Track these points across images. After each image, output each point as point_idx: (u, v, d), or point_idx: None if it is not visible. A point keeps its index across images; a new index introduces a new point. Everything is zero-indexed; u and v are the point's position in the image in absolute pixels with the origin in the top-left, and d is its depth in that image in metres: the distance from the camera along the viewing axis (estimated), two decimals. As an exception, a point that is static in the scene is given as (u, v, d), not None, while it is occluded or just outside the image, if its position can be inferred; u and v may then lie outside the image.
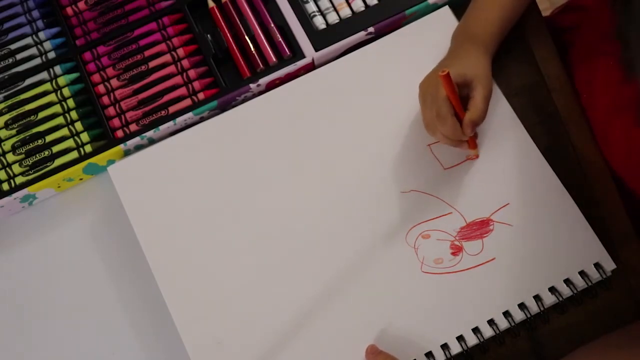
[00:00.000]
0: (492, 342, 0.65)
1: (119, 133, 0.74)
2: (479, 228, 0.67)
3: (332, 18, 0.76)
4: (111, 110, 0.75)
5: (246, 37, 0.76)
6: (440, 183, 0.69)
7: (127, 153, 0.74)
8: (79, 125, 0.74)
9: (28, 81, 0.76)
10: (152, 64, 0.76)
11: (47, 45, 0.78)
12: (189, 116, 0.73)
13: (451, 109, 0.63)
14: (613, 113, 0.68)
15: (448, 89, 0.62)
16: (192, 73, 0.75)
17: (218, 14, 0.78)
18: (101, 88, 0.76)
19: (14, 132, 0.75)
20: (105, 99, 0.75)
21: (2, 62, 0.77)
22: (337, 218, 0.69)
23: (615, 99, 0.68)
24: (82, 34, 0.78)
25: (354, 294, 0.66)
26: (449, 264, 0.66)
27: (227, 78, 0.76)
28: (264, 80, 0.74)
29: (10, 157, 0.74)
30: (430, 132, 0.67)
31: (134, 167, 0.73)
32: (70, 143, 0.74)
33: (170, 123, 0.73)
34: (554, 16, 0.87)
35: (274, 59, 0.75)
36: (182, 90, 0.75)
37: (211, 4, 0.78)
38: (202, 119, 0.75)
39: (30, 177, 0.73)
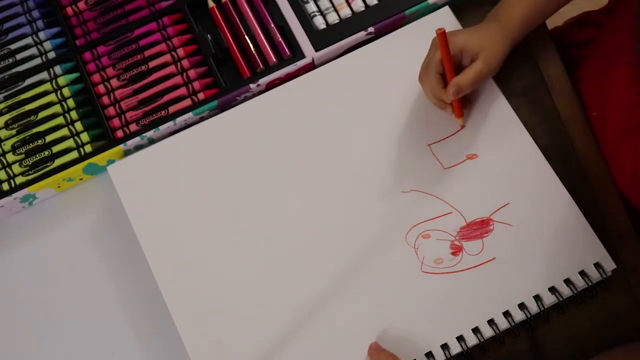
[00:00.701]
0: (492, 342, 0.65)
1: (119, 133, 0.74)
2: (479, 228, 0.67)
3: (332, 18, 0.76)
4: (111, 110, 0.75)
5: (246, 37, 0.76)
6: (440, 183, 0.69)
7: (127, 153, 0.74)
8: (79, 125, 0.74)
9: (28, 81, 0.76)
10: (152, 64, 0.76)
11: (47, 45, 0.78)
12: (189, 116, 0.73)
13: (441, 66, 0.65)
14: (625, 133, 0.67)
15: (441, 47, 0.64)
16: (192, 73, 0.75)
17: (218, 14, 0.78)
18: (101, 88, 0.76)
19: (14, 132, 0.75)
20: (105, 99, 0.75)
21: (2, 62, 0.77)
22: (337, 218, 0.69)
23: (630, 119, 0.67)
24: (82, 34, 0.78)
25: (354, 293, 0.66)
26: (449, 264, 0.66)
27: (227, 78, 0.76)
28: (264, 80, 0.74)
29: (10, 157, 0.74)
30: (420, 82, 0.69)
31: (134, 167, 0.73)
32: (70, 143, 0.74)
33: (170, 123, 0.73)
34: (565, 31, 0.87)
35: (274, 59, 0.75)
36: (182, 90, 0.75)
37: (211, 4, 0.78)
38: (202, 119, 0.75)
39: (30, 177, 0.73)
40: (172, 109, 0.74)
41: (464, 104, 0.69)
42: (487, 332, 0.64)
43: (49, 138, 0.74)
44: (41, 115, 0.75)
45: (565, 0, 0.71)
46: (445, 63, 0.65)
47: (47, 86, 0.76)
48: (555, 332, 0.66)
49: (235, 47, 0.76)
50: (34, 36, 0.78)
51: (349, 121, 0.72)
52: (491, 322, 0.64)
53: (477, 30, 0.68)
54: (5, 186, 0.72)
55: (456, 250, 0.67)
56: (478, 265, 0.66)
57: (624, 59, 0.68)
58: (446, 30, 0.64)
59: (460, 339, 0.64)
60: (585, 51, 0.78)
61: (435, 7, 0.76)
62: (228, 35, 0.77)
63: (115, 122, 0.74)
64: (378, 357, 0.63)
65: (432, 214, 0.68)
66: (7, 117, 0.75)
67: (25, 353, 0.70)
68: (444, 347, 0.64)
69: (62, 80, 0.76)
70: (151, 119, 0.74)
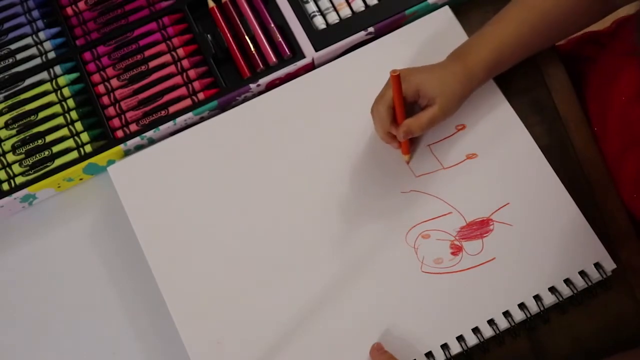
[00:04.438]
0: (492, 342, 0.65)
1: (119, 133, 0.74)
2: (479, 228, 0.67)
3: (332, 18, 0.76)
4: (111, 110, 0.75)
5: (246, 37, 0.76)
6: (440, 183, 0.69)
7: (127, 153, 0.74)
8: (79, 125, 0.74)
9: (28, 81, 0.76)
10: (152, 64, 0.76)
11: (47, 45, 0.78)
12: (189, 116, 0.73)
13: (392, 104, 0.65)
14: (626, 146, 0.68)
15: (394, 89, 0.63)
16: (192, 73, 0.75)
17: (218, 14, 0.78)
18: (101, 88, 0.76)
19: (14, 132, 0.75)
20: (105, 99, 0.75)
21: (2, 62, 0.77)
22: (337, 218, 0.69)
23: (630, 133, 0.67)
24: (82, 34, 0.78)
25: (354, 294, 0.66)
26: (449, 264, 0.66)
27: (227, 78, 0.76)
28: (264, 80, 0.74)
29: (10, 157, 0.74)
30: (371, 113, 0.68)
31: (134, 167, 0.73)
32: (70, 143, 0.74)
33: (170, 123, 0.73)
34: (571, 46, 0.87)
35: (274, 59, 0.75)
36: (182, 90, 0.75)
37: (211, 4, 0.78)
38: (202, 119, 0.75)
39: (30, 177, 0.73)
40: (172, 109, 0.74)
41: (411, 142, 0.69)
42: (487, 332, 0.64)
43: (49, 138, 0.74)
44: (41, 115, 0.75)
45: (539, 46, 0.70)
46: (397, 105, 0.64)
47: (47, 86, 0.76)
48: (555, 332, 0.66)
49: (235, 47, 0.76)
50: (34, 36, 0.78)
51: (349, 121, 0.72)
52: (491, 322, 0.64)
53: (437, 71, 0.66)
54: (5, 186, 0.72)
55: (456, 250, 0.67)
56: (478, 265, 0.66)
57: (623, 76, 0.68)
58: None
59: (460, 339, 0.64)
60: (585, 68, 0.78)
61: (435, 7, 0.76)
62: (228, 35, 0.77)
63: (115, 122, 0.74)
64: (379, 359, 0.63)
65: (432, 214, 0.68)
66: (7, 117, 0.75)
67: (25, 353, 0.70)
68: (444, 347, 0.64)
69: (62, 80, 0.76)
70: (151, 119, 0.74)
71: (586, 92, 0.74)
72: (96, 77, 0.76)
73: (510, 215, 0.67)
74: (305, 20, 0.76)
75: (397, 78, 0.63)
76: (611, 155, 0.70)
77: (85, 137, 0.74)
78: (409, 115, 0.65)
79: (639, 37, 0.60)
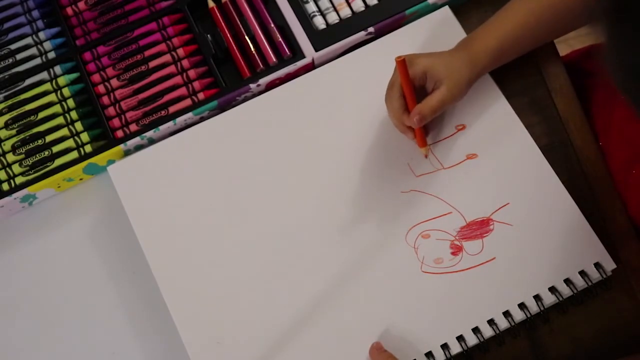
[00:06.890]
0: (492, 342, 0.65)
1: (119, 133, 0.74)
2: (479, 228, 0.67)
3: (332, 18, 0.76)
4: (111, 110, 0.75)
5: (246, 37, 0.76)
6: (440, 183, 0.69)
7: (127, 153, 0.74)
8: (79, 125, 0.74)
9: (28, 81, 0.76)
10: (152, 64, 0.76)
11: (47, 45, 0.78)
12: (189, 116, 0.73)
13: (402, 92, 0.65)
14: (632, 161, 0.68)
15: (400, 75, 0.64)
16: (192, 73, 0.75)
17: (218, 14, 0.78)
18: (101, 88, 0.76)
19: (14, 132, 0.75)
20: (105, 99, 0.75)
21: (2, 62, 0.77)
22: (337, 217, 0.69)
23: (635, 148, 0.67)
24: (82, 34, 0.78)
25: (354, 293, 0.66)
26: (449, 263, 0.66)
27: (227, 78, 0.76)
28: (264, 80, 0.74)
29: (10, 157, 0.74)
30: (385, 103, 0.68)
31: (134, 167, 0.73)
32: (70, 143, 0.74)
33: (170, 123, 0.73)
34: (575, 58, 0.87)
35: (274, 59, 0.75)
36: (182, 90, 0.75)
37: (211, 4, 0.78)
38: (202, 119, 0.75)
39: (30, 177, 0.73)
40: (172, 109, 0.74)
41: (426, 131, 0.68)
42: (487, 332, 0.64)
43: (49, 138, 0.74)
44: (41, 115, 0.75)
45: (545, 37, 0.70)
46: (406, 91, 0.65)
47: (47, 86, 0.76)
48: (555, 332, 0.66)
49: (235, 47, 0.76)
50: (34, 36, 0.78)
51: (349, 121, 0.72)
52: (491, 322, 0.64)
53: (443, 56, 0.67)
54: (5, 186, 0.72)
55: (456, 250, 0.67)
56: (478, 265, 0.66)
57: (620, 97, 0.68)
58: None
59: (460, 339, 0.64)
60: (589, 82, 0.78)
61: (435, 7, 0.76)
62: (228, 35, 0.77)
63: (115, 122, 0.74)
64: (379, 358, 0.63)
65: (432, 214, 0.68)
66: (7, 117, 0.75)
67: (25, 353, 0.70)
68: (444, 347, 0.64)
69: (62, 80, 0.76)
70: (151, 119, 0.74)
71: (592, 108, 0.74)
72: (96, 77, 0.76)
73: (510, 215, 0.67)
74: (305, 20, 0.76)
75: (402, 63, 0.63)
76: (616, 172, 0.69)
77: (85, 137, 0.74)
78: (419, 101, 0.65)
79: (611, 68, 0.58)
